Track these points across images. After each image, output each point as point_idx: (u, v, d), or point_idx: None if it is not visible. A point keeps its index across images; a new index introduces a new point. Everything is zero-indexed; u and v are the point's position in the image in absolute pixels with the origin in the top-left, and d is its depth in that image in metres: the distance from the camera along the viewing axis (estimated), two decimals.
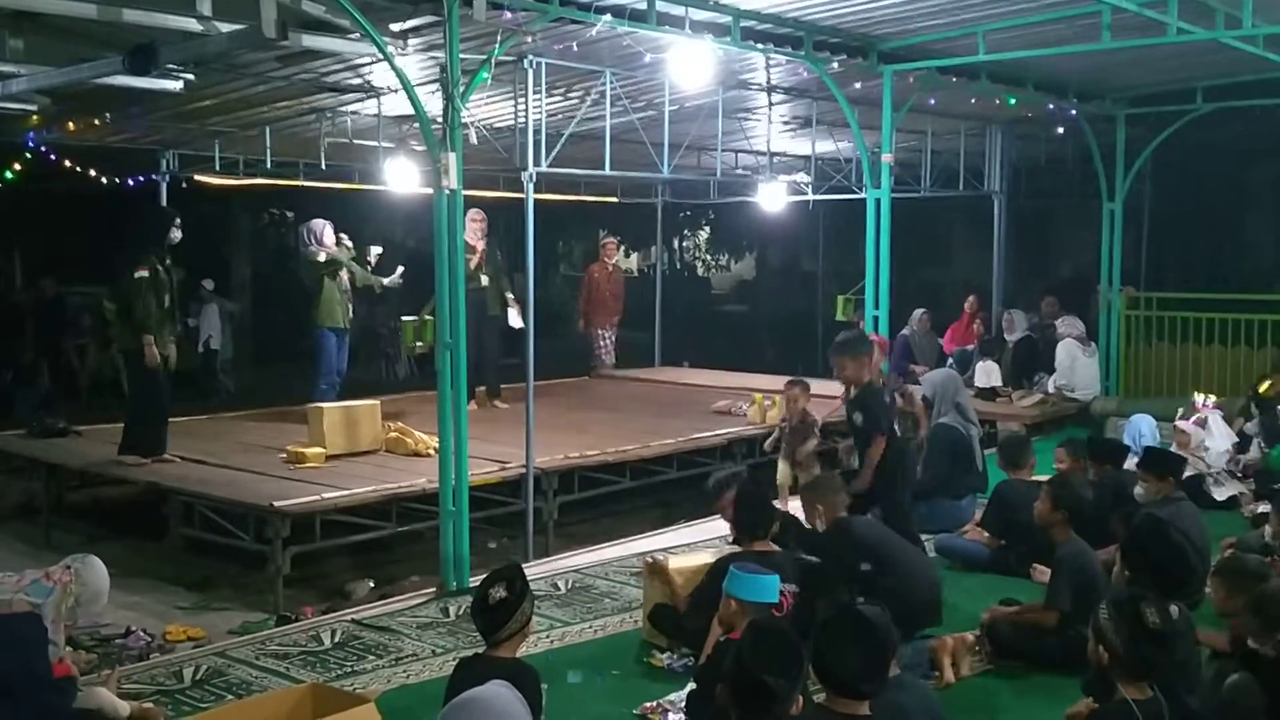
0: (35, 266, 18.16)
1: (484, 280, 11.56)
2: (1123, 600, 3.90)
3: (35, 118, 9.83)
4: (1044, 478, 7.65)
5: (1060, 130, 13.05)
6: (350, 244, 11.06)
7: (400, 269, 11.66)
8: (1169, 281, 15.09)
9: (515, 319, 11.66)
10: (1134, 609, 3.81)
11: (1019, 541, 7.25)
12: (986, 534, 7.51)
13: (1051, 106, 11.95)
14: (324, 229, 10.75)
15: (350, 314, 10.99)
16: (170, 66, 7.72)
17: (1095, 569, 5.72)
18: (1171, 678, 3.92)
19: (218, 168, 12.67)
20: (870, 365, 7.38)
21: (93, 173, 13.03)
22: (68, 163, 12.44)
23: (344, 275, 10.82)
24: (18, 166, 12.18)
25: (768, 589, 4.85)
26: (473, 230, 11.48)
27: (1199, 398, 10.10)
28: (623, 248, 28.85)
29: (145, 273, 8.67)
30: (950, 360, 13.24)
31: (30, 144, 11.42)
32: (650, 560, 6.22)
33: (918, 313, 14.15)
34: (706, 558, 6.07)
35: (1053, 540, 5.89)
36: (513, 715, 3.64)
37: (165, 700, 5.26)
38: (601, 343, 15.04)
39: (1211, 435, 9.40)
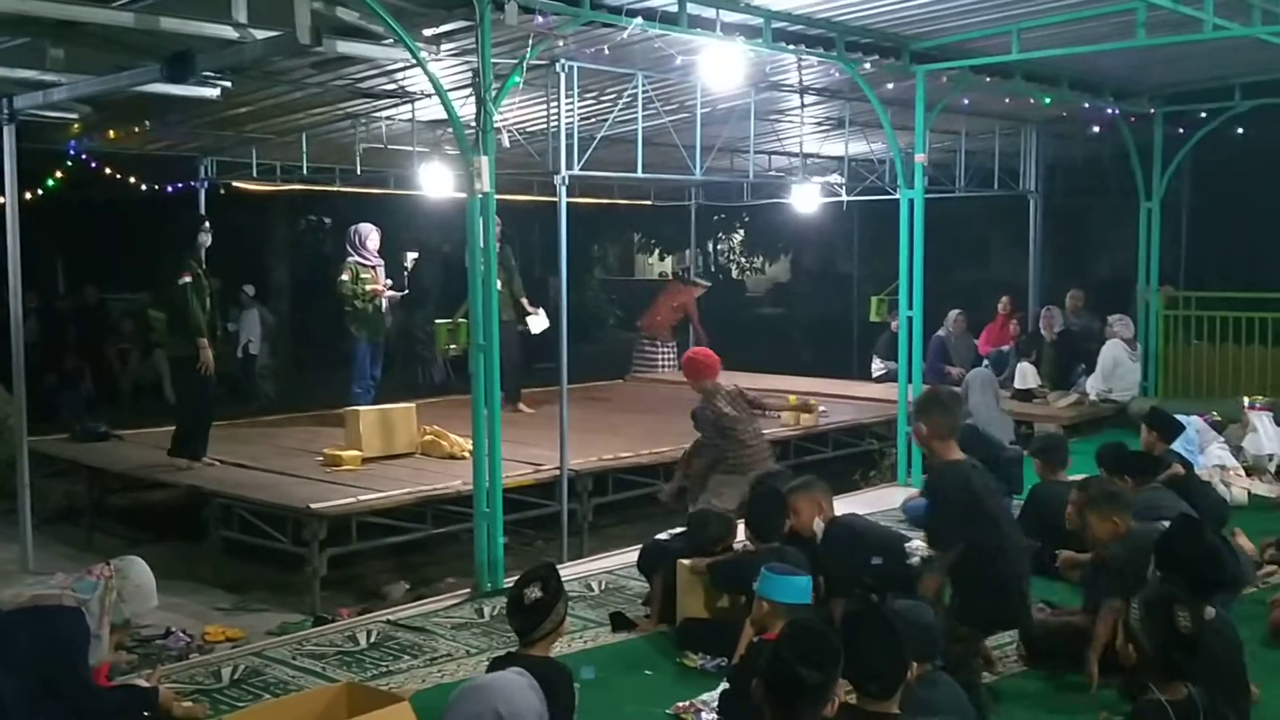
0: (77, 273, 18.43)
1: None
2: (1154, 600, 3.84)
3: (76, 126, 9.98)
4: (1079, 478, 7.63)
5: (1096, 129, 12.94)
6: (374, 267, 10.78)
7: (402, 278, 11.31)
8: (1208, 280, 14.92)
9: (536, 325, 11.31)
10: (1166, 611, 3.75)
11: (1055, 543, 7.20)
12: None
13: (1087, 105, 11.85)
14: (369, 235, 10.70)
15: (386, 323, 10.95)
16: (207, 74, 7.82)
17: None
18: (1201, 680, 3.84)
19: (255, 174, 12.80)
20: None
21: (133, 180, 13.19)
22: (108, 170, 12.60)
23: (378, 288, 10.75)
24: (59, 174, 12.33)
25: (801, 590, 4.87)
26: None
27: (1247, 400, 10.02)
28: (657, 250, 29.02)
29: (189, 278, 8.82)
30: (985, 361, 13.17)
31: (72, 152, 11.57)
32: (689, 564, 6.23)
33: (953, 313, 14.07)
34: None
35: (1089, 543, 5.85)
36: (522, 699, 3.66)
37: (203, 699, 5.33)
38: (664, 352, 15.38)
39: (1258, 435, 9.36)
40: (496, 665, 4.55)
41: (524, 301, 11.47)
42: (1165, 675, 3.77)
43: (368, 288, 10.57)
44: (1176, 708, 3.69)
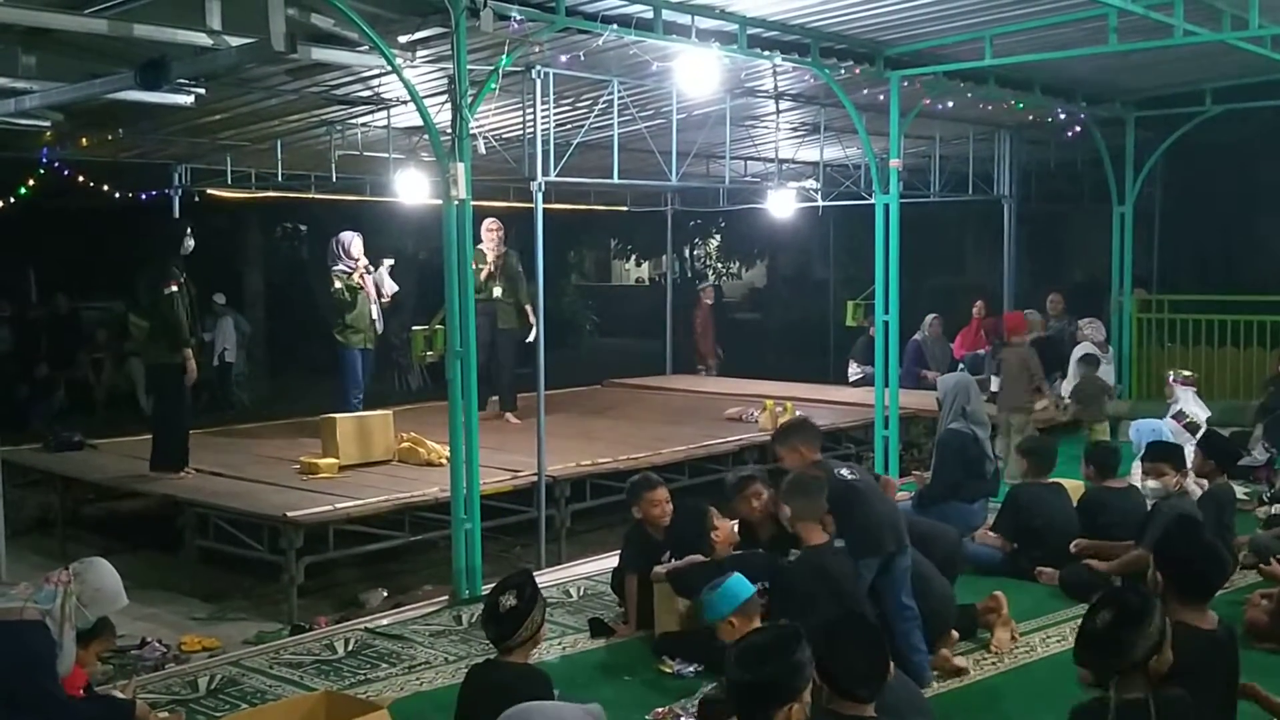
0: (50, 282, 18.25)
1: (496, 292, 11.21)
2: (1101, 596, 3.80)
3: (49, 134, 9.90)
4: (1059, 480, 7.68)
5: (1069, 134, 13.03)
6: (364, 266, 10.73)
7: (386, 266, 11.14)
8: (1181, 284, 15.05)
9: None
10: (1092, 608, 3.71)
11: (1032, 545, 7.26)
12: (999, 538, 7.50)
13: (1060, 110, 11.94)
14: (352, 241, 10.62)
15: (378, 329, 10.86)
16: (181, 81, 7.77)
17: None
18: (1188, 686, 3.70)
19: (229, 181, 12.72)
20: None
21: (106, 188, 13.08)
22: (81, 178, 12.49)
23: (369, 292, 10.68)
24: (32, 183, 12.23)
25: (735, 592, 4.87)
26: (488, 239, 11.18)
27: (1172, 374, 10.24)
28: (633, 256, 29.06)
29: (175, 288, 8.79)
30: (961, 365, 13.23)
31: (44, 160, 11.48)
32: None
33: (929, 318, 14.15)
34: None
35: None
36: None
37: (180, 709, 5.30)
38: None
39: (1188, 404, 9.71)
40: (475, 673, 4.54)
41: (528, 309, 11.17)
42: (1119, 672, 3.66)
43: (354, 280, 10.54)
44: (1124, 708, 3.57)
